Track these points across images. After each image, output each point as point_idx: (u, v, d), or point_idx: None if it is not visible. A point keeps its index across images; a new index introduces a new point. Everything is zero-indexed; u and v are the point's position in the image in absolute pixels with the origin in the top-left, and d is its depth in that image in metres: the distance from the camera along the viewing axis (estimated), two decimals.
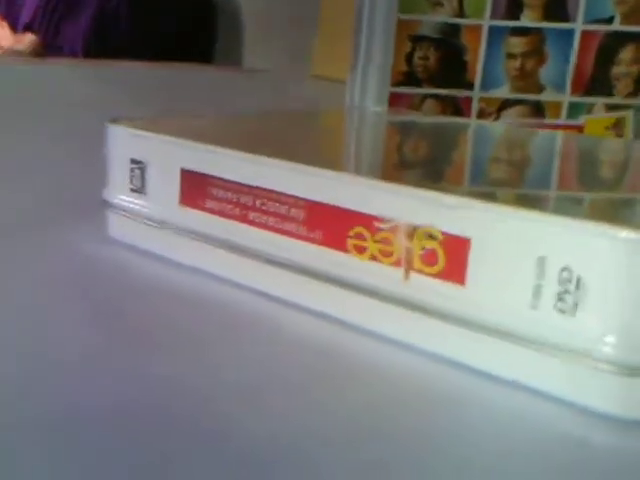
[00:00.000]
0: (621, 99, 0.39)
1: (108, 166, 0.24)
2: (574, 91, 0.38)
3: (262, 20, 1.41)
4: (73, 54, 1.27)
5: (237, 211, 0.21)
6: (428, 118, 0.36)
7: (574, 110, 0.39)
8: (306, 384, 0.16)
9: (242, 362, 0.16)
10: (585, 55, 0.38)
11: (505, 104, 0.38)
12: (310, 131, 0.29)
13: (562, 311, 0.15)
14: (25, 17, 1.31)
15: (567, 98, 0.38)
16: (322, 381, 0.16)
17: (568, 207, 0.18)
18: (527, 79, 0.38)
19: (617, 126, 0.39)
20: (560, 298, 0.15)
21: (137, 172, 0.23)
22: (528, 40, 0.38)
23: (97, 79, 0.76)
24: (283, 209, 0.20)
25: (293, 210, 0.20)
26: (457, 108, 0.38)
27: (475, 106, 0.38)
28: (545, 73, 0.38)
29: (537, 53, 0.38)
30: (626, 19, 0.38)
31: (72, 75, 0.80)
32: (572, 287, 0.15)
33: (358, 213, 0.18)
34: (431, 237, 0.17)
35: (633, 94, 0.39)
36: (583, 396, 0.15)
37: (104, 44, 1.29)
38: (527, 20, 0.37)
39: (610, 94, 0.39)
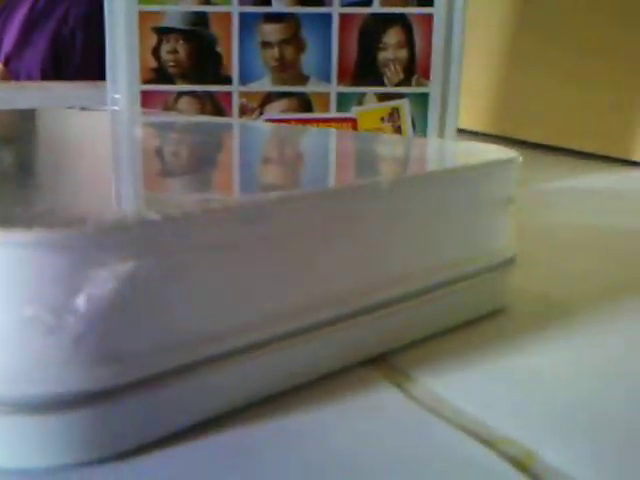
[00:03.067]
0: (392, 87, 0.36)
1: None
2: (341, 81, 0.35)
3: None
4: (30, 78, 1.28)
5: None
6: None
7: (343, 102, 0.36)
8: None
9: None
10: (347, 41, 0.35)
11: (268, 98, 0.35)
12: None
13: None
14: (5, 50, 1.34)
15: (334, 89, 0.35)
16: None
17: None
18: (288, 70, 0.35)
19: (393, 117, 0.36)
20: None
21: None
22: (283, 27, 0.35)
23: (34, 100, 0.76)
24: None
25: None
26: (216, 105, 0.35)
27: (236, 102, 0.35)
28: (306, 62, 0.35)
29: (295, 40, 0.35)
30: (386, 0, 0.35)
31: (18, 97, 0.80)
32: None
33: None
34: None
35: (405, 81, 0.36)
36: None
37: (60, 67, 1.29)
38: (280, 5, 0.34)
39: (381, 83, 0.36)
